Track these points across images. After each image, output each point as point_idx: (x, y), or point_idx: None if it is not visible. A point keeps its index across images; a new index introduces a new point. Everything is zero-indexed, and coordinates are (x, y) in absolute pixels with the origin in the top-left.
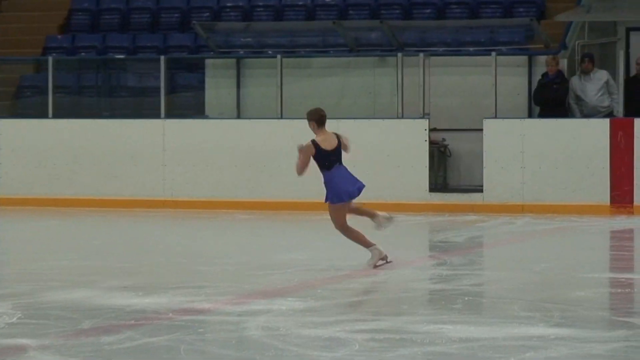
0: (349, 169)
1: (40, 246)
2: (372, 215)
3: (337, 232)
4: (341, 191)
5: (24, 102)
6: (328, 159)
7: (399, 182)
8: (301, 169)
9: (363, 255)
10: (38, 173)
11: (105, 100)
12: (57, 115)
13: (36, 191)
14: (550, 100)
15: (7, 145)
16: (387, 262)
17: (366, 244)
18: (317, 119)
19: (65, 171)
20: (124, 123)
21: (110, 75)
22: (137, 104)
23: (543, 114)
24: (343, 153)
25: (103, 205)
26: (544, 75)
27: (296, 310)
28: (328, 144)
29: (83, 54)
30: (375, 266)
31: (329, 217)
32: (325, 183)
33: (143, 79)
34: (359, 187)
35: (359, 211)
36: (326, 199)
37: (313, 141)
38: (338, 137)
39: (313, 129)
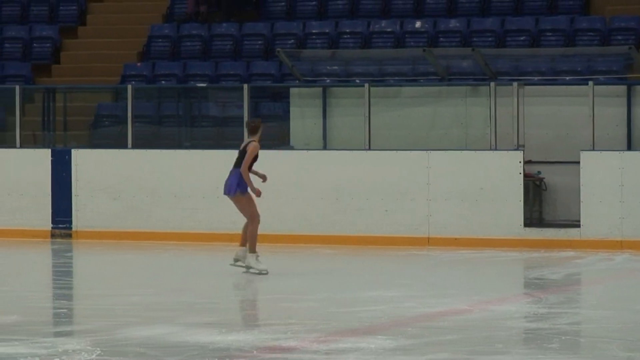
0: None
1: (117, 281)
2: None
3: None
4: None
5: (102, 132)
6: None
7: (492, 217)
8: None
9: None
10: (115, 206)
11: (186, 130)
12: (136, 145)
13: (113, 224)
14: None
15: (84, 177)
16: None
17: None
18: (249, 128)
19: (143, 204)
20: (206, 154)
21: (191, 104)
22: (219, 134)
23: None
24: None
25: (182, 239)
26: None
27: (386, 349)
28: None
29: (163, 82)
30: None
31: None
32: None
33: (225, 108)
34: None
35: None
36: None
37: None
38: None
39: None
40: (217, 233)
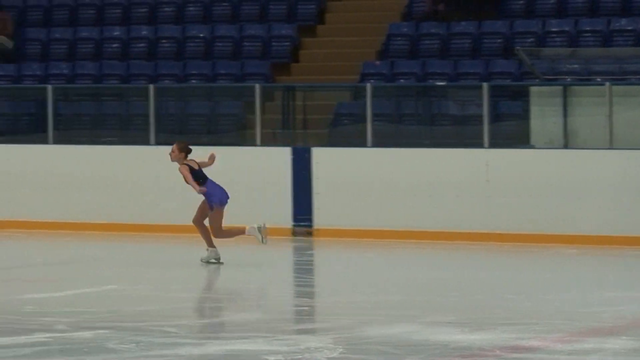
0: None
1: (358, 279)
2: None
3: None
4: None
5: (341, 130)
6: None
7: None
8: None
9: None
10: (356, 204)
11: (425, 128)
12: (376, 144)
13: (354, 222)
14: None
15: (324, 175)
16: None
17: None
18: (187, 151)
19: (384, 201)
20: (446, 152)
21: (430, 103)
22: (459, 133)
23: None
24: None
25: (422, 237)
26: None
27: (629, 350)
28: (195, 165)
29: (402, 80)
30: (208, 262)
31: None
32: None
33: (465, 106)
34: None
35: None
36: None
37: (186, 164)
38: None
39: (180, 158)
40: (459, 232)
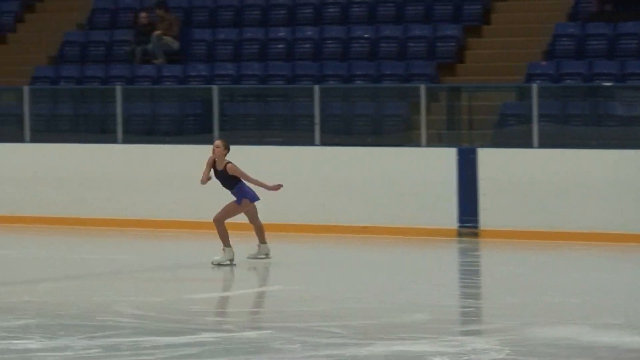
0: None
1: (524, 280)
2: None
3: None
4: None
5: (506, 131)
6: None
7: None
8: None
9: None
10: (523, 205)
11: (592, 129)
12: (542, 144)
13: (520, 223)
14: None
15: (490, 176)
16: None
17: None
18: (229, 149)
19: (550, 202)
20: (613, 153)
21: (597, 104)
22: (626, 134)
23: None
24: None
25: (589, 238)
26: None
27: None
28: None
29: (568, 81)
30: (219, 264)
31: None
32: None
33: (632, 107)
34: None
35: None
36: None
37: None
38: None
39: (223, 155)
40: (610, 233)
